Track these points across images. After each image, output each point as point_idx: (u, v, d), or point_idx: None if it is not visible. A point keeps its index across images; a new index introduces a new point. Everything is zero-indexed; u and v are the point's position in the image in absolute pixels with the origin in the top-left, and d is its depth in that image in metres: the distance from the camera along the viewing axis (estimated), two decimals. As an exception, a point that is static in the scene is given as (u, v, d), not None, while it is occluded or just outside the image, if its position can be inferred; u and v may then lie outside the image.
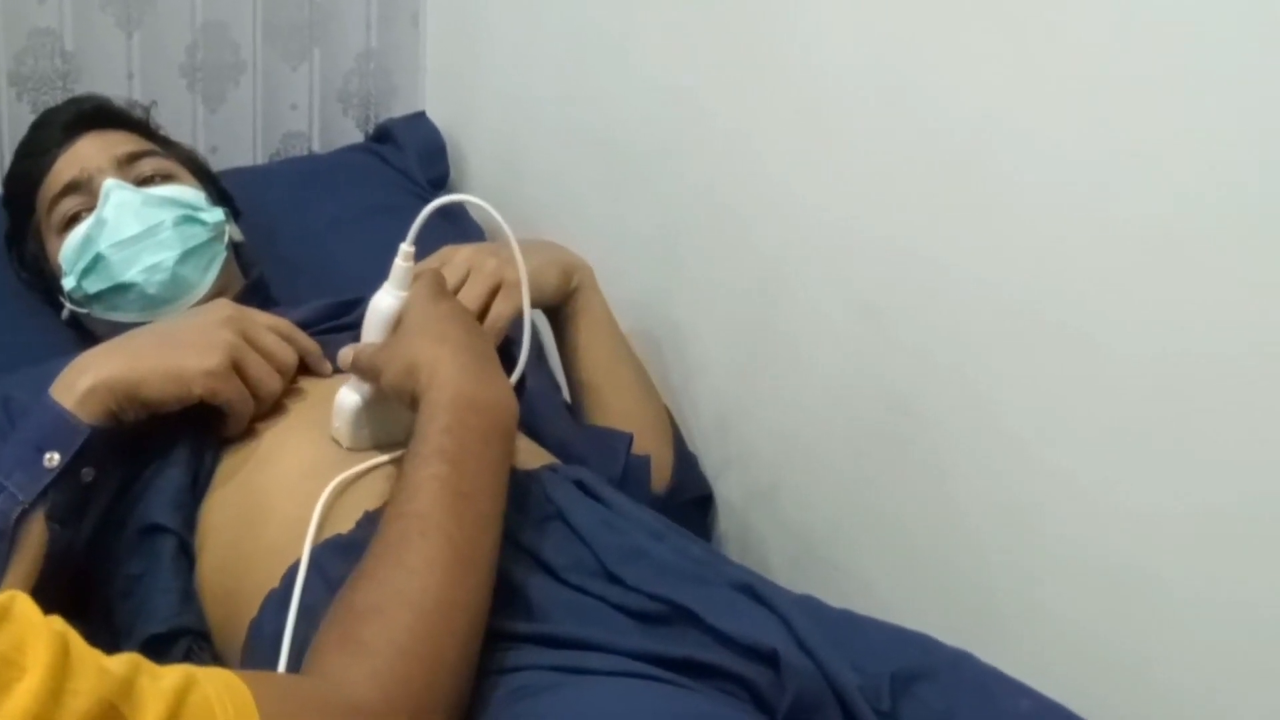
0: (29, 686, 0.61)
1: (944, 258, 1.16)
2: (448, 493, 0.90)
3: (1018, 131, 1.07)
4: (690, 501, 1.40)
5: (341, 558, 0.96)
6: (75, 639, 0.66)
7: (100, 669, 0.65)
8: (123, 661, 0.67)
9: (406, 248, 1.08)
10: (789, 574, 1.30)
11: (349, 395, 1.09)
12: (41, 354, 1.32)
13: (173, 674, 0.69)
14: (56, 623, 0.66)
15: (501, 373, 1.02)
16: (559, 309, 1.37)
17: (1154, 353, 1.00)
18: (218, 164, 1.62)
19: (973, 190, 1.12)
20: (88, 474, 1.06)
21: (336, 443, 1.10)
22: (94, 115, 1.41)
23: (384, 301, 1.08)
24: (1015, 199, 1.09)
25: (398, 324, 1.07)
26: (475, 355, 1.00)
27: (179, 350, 1.10)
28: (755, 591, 0.99)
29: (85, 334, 1.39)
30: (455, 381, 0.97)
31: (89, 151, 1.36)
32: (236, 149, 1.78)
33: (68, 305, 1.36)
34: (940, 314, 1.17)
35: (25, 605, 0.65)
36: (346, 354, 1.09)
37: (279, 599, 0.97)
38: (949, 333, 1.16)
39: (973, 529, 1.16)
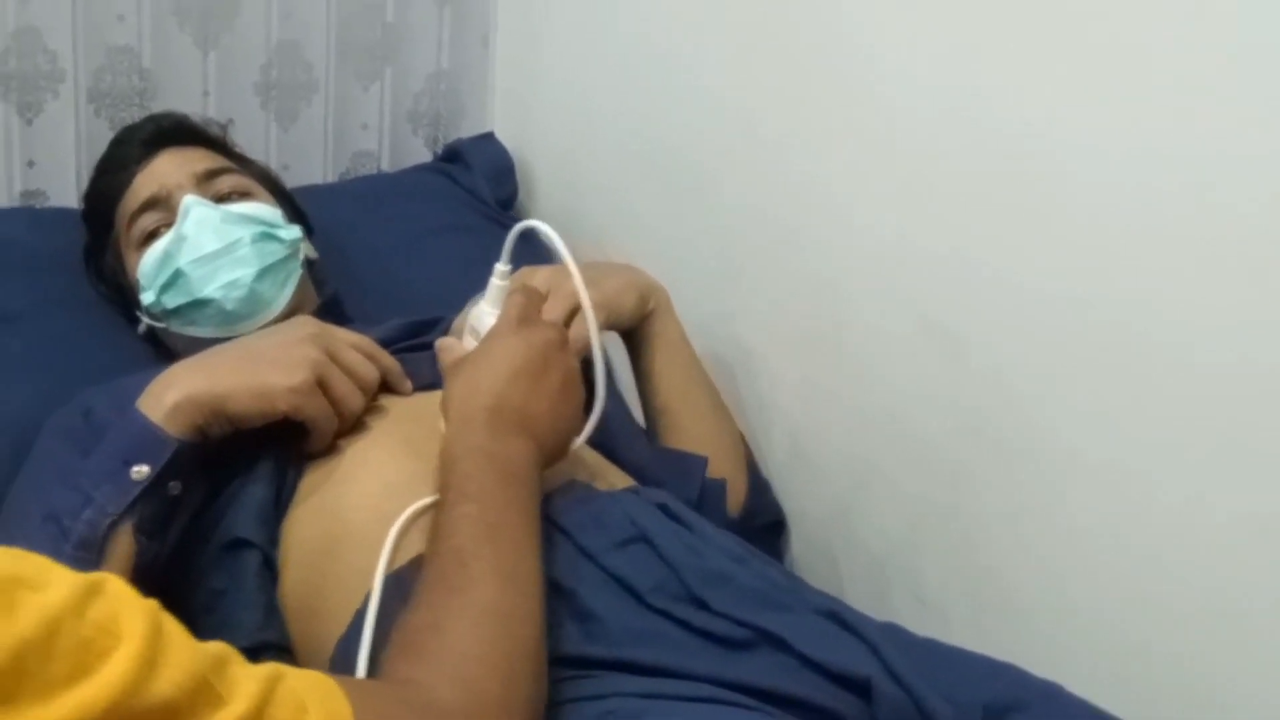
0: (126, 653, 0.62)
1: (1014, 274, 1.15)
2: (480, 525, 0.92)
3: (1091, 143, 1.07)
4: (763, 526, 1.39)
5: (427, 577, 0.96)
6: (168, 618, 0.67)
7: (194, 646, 0.67)
8: (215, 645, 0.69)
9: (501, 267, 1.10)
10: (863, 600, 1.28)
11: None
12: (117, 367, 1.33)
13: (262, 666, 0.70)
14: (151, 601, 0.67)
15: (530, 422, 1.03)
16: (634, 332, 1.37)
17: (1247, 363, 0.98)
18: (289, 182, 1.62)
19: (1044, 205, 1.11)
20: (174, 487, 1.06)
21: None
22: (173, 132, 1.42)
23: (477, 316, 1.12)
24: (1089, 212, 1.08)
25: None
26: (502, 411, 1.01)
27: (265, 366, 1.11)
28: (841, 618, 0.98)
29: (161, 348, 1.41)
30: (473, 436, 0.99)
31: (168, 168, 1.37)
32: (307, 167, 1.80)
33: (145, 320, 1.38)
34: (1011, 332, 1.16)
35: (118, 583, 0.67)
36: (448, 347, 1.15)
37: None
38: (1021, 352, 1.15)
39: (1050, 558, 1.15)
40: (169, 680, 0.63)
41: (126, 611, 0.64)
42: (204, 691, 0.64)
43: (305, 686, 0.70)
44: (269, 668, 0.70)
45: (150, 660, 0.63)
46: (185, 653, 0.65)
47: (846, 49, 1.30)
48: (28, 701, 0.58)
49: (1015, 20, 1.12)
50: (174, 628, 0.66)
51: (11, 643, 0.59)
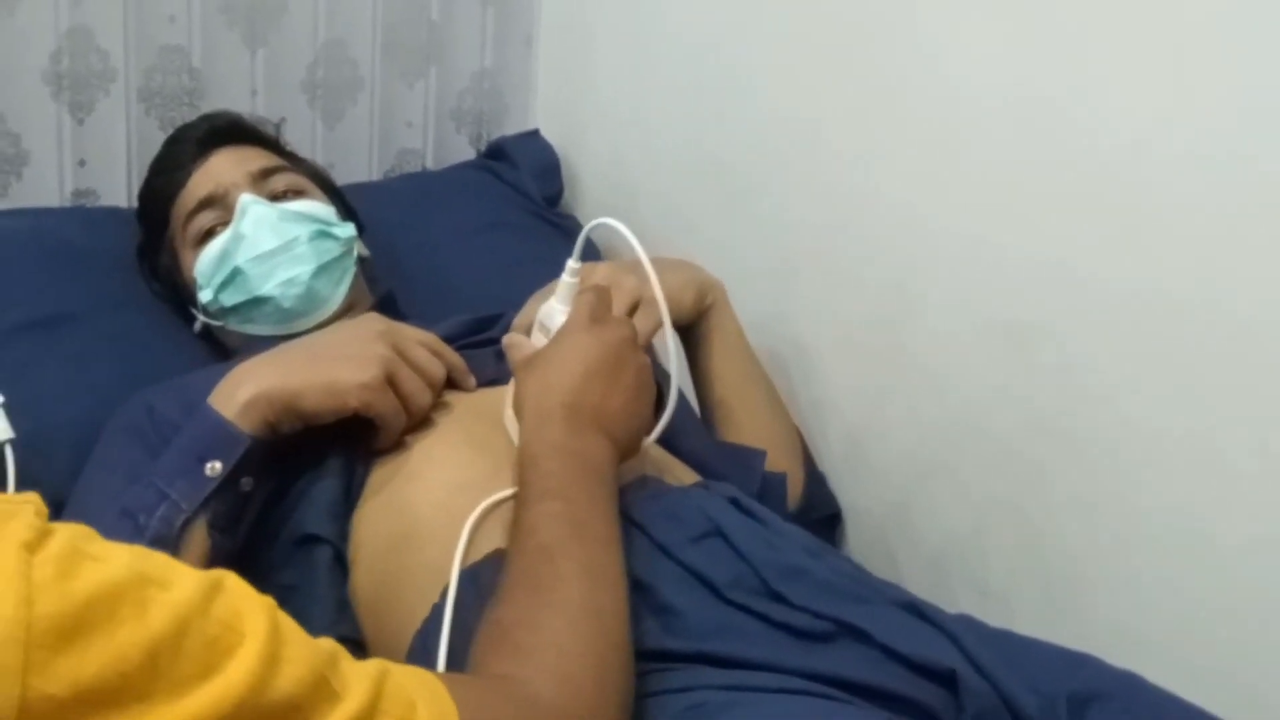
0: (251, 650, 0.63)
1: (1084, 266, 1.15)
2: (564, 523, 0.92)
3: (1172, 146, 1.07)
4: (818, 520, 1.39)
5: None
6: (282, 614, 0.68)
7: (310, 642, 0.67)
8: (326, 641, 0.70)
9: (573, 264, 1.10)
10: (921, 594, 1.29)
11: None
12: (173, 365, 1.33)
13: (369, 663, 0.71)
14: (267, 598, 0.68)
15: (606, 419, 1.02)
16: (692, 327, 1.38)
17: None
18: (335, 180, 1.63)
19: (1113, 196, 1.11)
20: (246, 483, 1.07)
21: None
22: (227, 131, 1.43)
23: (547, 313, 1.11)
24: (1160, 202, 1.08)
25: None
26: (578, 408, 1.01)
27: (335, 363, 1.11)
28: (919, 610, 0.99)
29: (217, 346, 1.41)
30: (551, 433, 0.99)
31: (223, 167, 1.38)
32: (353, 165, 1.80)
33: (201, 318, 1.38)
34: (1086, 332, 1.16)
35: (236, 580, 0.68)
36: (518, 344, 1.12)
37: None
38: (1096, 352, 1.15)
39: (1125, 549, 1.14)
40: (290, 677, 0.63)
41: (247, 608, 0.65)
42: (322, 687, 0.65)
43: (412, 683, 0.71)
44: (375, 664, 0.70)
45: (273, 657, 0.63)
46: (304, 649, 0.65)
47: (913, 53, 1.30)
48: (160, 699, 0.59)
49: (1086, 20, 1.12)
50: (289, 624, 0.67)
51: (145, 641, 0.59)
